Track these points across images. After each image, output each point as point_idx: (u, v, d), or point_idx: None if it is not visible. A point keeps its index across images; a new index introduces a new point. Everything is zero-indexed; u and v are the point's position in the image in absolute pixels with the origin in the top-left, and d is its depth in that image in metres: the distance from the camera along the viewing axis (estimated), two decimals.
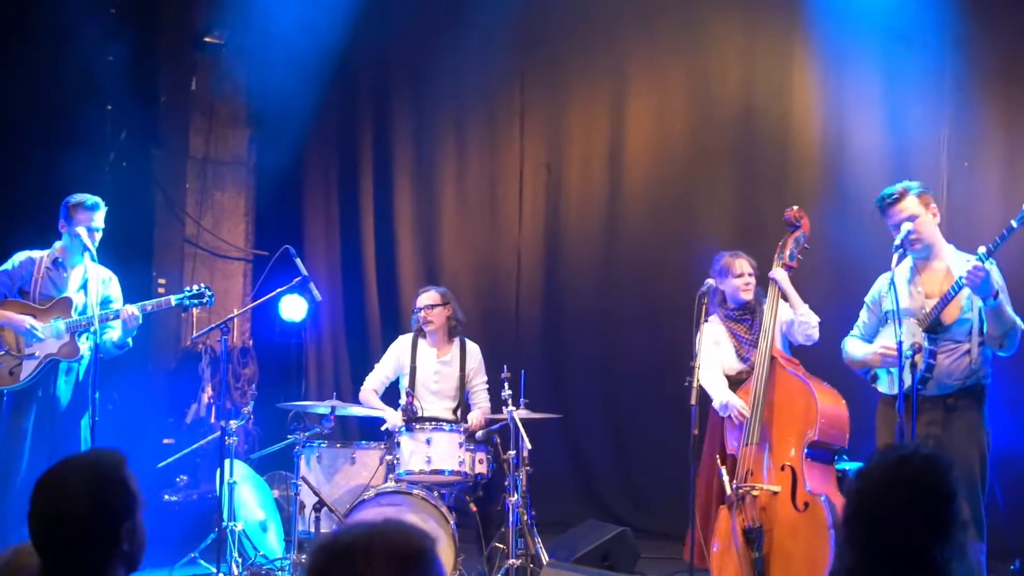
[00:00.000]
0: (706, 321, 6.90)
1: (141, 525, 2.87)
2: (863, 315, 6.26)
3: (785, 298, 6.65)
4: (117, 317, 6.86)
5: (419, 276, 10.35)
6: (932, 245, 5.95)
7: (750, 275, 7.03)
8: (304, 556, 6.81)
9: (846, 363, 6.33)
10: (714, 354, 7.01)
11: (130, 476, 2.86)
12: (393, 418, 7.52)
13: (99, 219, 6.86)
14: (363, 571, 2.17)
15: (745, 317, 7.02)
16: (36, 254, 6.97)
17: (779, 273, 6.60)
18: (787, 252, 6.60)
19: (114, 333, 6.95)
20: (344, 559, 2.19)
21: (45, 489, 2.81)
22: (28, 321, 6.74)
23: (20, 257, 6.95)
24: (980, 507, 5.66)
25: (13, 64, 9.00)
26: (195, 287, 7.15)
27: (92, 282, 6.83)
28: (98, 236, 6.85)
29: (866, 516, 2.61)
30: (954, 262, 5.92)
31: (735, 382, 6.86)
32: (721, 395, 6.75)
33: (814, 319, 6.72)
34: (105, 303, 6.92)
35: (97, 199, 6.88)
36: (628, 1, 9.88)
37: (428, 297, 7.94)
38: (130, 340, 7.02)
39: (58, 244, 6.96)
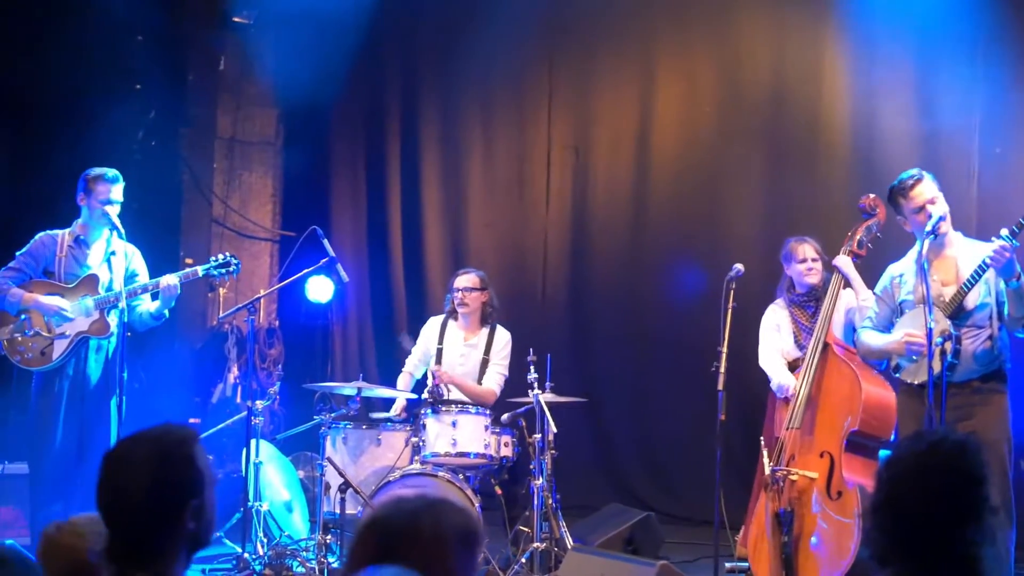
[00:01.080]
0: (772, 303, 7.12)
1: (210, 504, 2.80)
2: (874, 306, 6.22)
3: (849, 285, 6.64)
4: (146, 291, 6.88)
5: (446, 257, 10.35)
6: (948, 232, 5.94)
7: (814, 260, 7.04)
8: (340, 529, 6.78)
9: (862, 355, 6.30)
10: (773, 339, 7.09)
11: (199, 453, 2.80)
12: (395, 407, 7.65)
13: (118, 192, 6.85)
14: (431, 546, 2.22)
15: (808, 304, 7.04)
16: (57, 233, 6.95)
17: (842, 260, 6.56)
18: (856, 239, 6.56)
19: (151, 304, 6.97)
20: (411, 534, 2.23)
21: (111, 462, 2.78)
22: (56, 303, 6.74)
23: (41, 237, 6.94)
24: (1010, 492, 5.63)
25: (43, 43, 9.03)
26: (220, 256, 7.15)
27: (116, 256, 6.85)
28: (117, 209, 6.84)
29: (897, 503, 2.58)
30: (962, 249, 5.92)
31: (790, 368, 6.91)
32: (778, 376, 6.82)
33: None
34: (131, 277, 6.93)
35: (116, 172, 6.86)
36: None
37: (467, 279, 7.87)
38: (166, 311, 7.04)
39: (78, 221, 6.95)
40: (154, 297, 6.95)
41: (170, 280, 6.85)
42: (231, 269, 7.11)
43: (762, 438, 6.61)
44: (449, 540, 2.23)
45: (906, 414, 5.92)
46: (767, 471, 6.19)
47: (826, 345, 6.32)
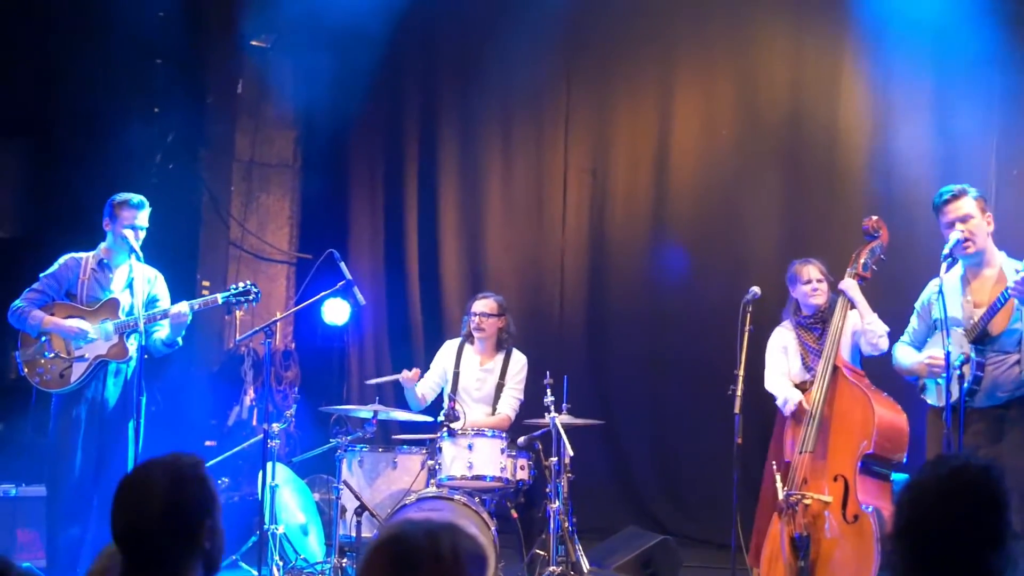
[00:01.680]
0: (778, 326, 7.04)
1: (220, 526, 2.91)
2: (913, 321, 6.20)
3: (854, 307, 6.61)
4: (165, 316, 6.89)
5: (463, 280, 10.35)
6: (984, 251, 5.89)
7: (818, 281, 6.96)
8: (356, 552, 6.75)
9: (895, 370, 6.27)
10: (780, 360, 7.02)
11: (208, 476, 2.91)
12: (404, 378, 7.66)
13: (143, 218, 6.88)
14: (448, 567, 2.23)
15: (815, 326, 6.96)
16: (81, 255, 7.00)
17: (848, 283, 6.56)
18: (861, 262, 6.56)
19: (163, 331, 6.97)
20: (429, 554, 2.24)
21: (128, 487, 2.85)
22: (77, 326, 6.76)
23: (66, 259, 6.98)
24: None
25: (62, 66, 9.08)
26: (241, 284, 7.15)
27: (137, 281, 6.84)
28: (141, 235, 6.86)
29: (919, 528, 2.56)
30: (1006, 269, 5.85)
31: (799, 391, 6.83)
32: (783, 392, 6.75)
33: (881, 328, 6.61)
34: (152, 302, 6.96)
35: (142, 198, 6.90)
36: (676, 4, 9.83)
37: (485, 304, 7.83)
38: (179, 339, 7.04)
39: (103, 245, 6.99)
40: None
41: (181, 308, 6.86)
42: (251, 298, 7.11)
43: (774, 462, 6.58)
44: (465, 563, 2.23)
45: (932, 437, 5.89)
46: (780, 495, 6.17)
47: (835, 368, 6.30)
